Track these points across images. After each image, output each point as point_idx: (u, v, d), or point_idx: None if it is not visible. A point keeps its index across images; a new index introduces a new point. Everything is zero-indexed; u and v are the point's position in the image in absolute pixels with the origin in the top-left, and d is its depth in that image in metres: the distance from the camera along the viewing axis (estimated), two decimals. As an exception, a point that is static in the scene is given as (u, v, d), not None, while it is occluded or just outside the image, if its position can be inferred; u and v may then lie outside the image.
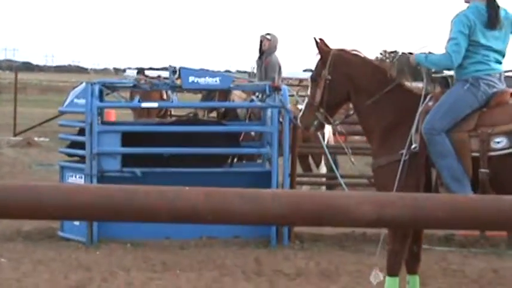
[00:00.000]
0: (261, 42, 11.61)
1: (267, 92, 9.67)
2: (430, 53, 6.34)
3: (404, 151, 6.07)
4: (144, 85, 10.01)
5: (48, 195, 2.86)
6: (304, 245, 9.23)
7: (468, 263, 8.60)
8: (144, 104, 10.39)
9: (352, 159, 7.29)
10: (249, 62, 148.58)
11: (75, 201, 2.88)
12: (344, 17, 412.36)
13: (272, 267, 8.17)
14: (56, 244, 8.96)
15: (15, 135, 22.00)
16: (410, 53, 6.47)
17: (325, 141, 10.85)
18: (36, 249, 8.60)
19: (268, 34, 11.69)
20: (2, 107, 34.06)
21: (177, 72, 9.45)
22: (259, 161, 11.12)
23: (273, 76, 10.91)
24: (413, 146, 6.07)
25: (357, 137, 20.90)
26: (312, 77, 6.69)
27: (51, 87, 67.31)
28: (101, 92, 9.39)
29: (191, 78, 9.37)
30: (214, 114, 13.62)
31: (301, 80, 36.28)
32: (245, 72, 29.46)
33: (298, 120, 6.83)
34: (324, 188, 11.36)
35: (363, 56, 6.60)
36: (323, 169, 11.89)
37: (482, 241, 9.51)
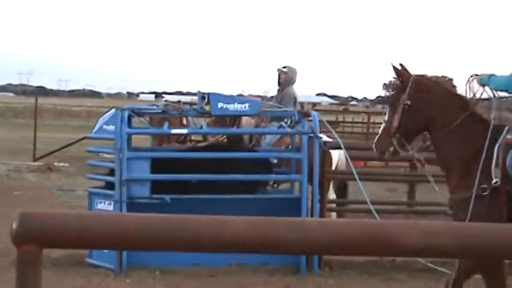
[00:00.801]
0: (279, 75, 11.71)
1: (297, 118, 9.64)
2: (492, 75, 6.21)
3: (485, 186, 5.85)
4: (173, 111, 10.00)
5: (93, 224, 2.82)
6: (334, 272, 9.13)
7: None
8: (174, 130, 10.38)
9: (436, 188, 6.98)
10: (261, 86, 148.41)
11: (119, 231, 2.84)
12: (359, 40, 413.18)
13: (303, 295, 8.09)
14: (84, 271, 8.91)
15: (35, 160, 22.07)
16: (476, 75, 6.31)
17: (334, 167, 10.79)
18: (65, 276, 8.56)
19: (284, 67, 11.78)
20: (19, 132, 34.29)
21: (206, 98, 9.41)
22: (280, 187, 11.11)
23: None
24: (494, 181, 5.84)
25: (375, 162, 20.93)
26: (389, 102, 6.54)
27: (66, 112, 67.76)
28: (129, 118, 9.40)
29: (220, 104, 9.35)
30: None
31: (314, 104, 36.50)
32: (258, 96, 29.43)
33: (373, 145, 6.61)
34: (333, 214, 11.19)
35: (443, 83, 6.45)
36: (332, 195, 11.80)
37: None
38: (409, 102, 6.21)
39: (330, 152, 9.97)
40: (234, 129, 10.95)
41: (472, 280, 8.10)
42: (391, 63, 6.41)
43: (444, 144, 6.21)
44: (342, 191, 11.64)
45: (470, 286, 7.97)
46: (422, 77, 6.37)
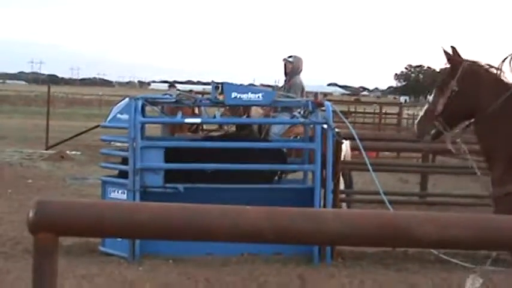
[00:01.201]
0: (285, 65, 11.66)
1: (310, 108, 9.63)
2: None
3: None
4: (187, 101, 10.00)
5: (109, 213, 2.83)
6: (347, 263, 9.14)
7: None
8: (188, 120, 10.38)
9: (478, 172, 6.75)
10: (272, 75, 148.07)
11: (134, 220, 2.85)
12: (370, 30, 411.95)
13: (316, 285, 8.10)
14: (97, 259, 8.95)
15: (47, 148, 22.17)
16: None
17: (342, 157, 10.76)
18: (78, 264, 8.57)
19: (290, 57, 11.74)
20: (31, 120, 34.44)
21: (220, 88, 9.41)
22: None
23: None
24: None
25: (386, 153, 20.92)
26: (437, 85, 6.38)
27: (78, 100, 68.05)
28: (142, 107, 9.41)
29: (234, 94, 9.34)
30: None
31: (325, 94, 36.50)
32: (269, 85, 29.41)
33: (415, 127, 6.43)
34: (344, 204, 11.17)
35: (496, 72, 6.06)
36: (341, 185, 11.78)
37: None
38: (456, 88, 6.00)
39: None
40: (247, 119, 10.93)
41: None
42: (442, 47, 6.19)
43: (489, 134, 5.96)
44: (347, 183, 11.59)
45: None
46: (473, 63, 6.11)
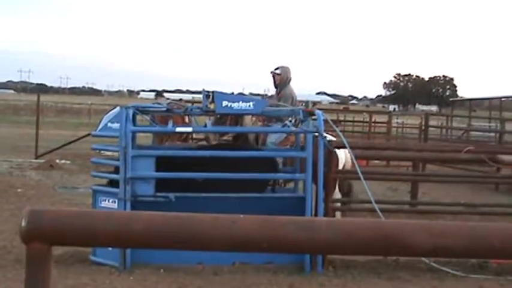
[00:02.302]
0: (273, 77, 11.67)
1: (301, 117, 9.63)
2: None
3: None
4: (178, 110, 9.99)
5: (102, 223, 2.82)
6: (338, 272, 9.12)
7: (505, 292, 8.48)
8: (179, 129, 10.36)
9: None
10: (262, 84, 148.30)
11: (128, 229, 2.84)
12: (359, 39, 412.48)
13: (307, 294, 8.08)
14: (88, 269, 8.90)
15: (37, 157, 22.11)
16: None
17: (341, 166, 10.77)
18: (68, 274, 8.54)
19: (277, 69, 11.73)
20: (20, 129, 34.35)
21: (211, 97, 9.40)
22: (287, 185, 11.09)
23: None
24: None
25: (376, 162, 20.96)
26: None
27: (67, 109, 67.87)
28: (133, 116, 9.39)
29: (225, 103, 9.33)
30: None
31: (314, 103, 36.58)
32: (258, 94, 29.37)
33: None
34: (338, 213, 11.22)
35: None
36: (337, 194, 11.81)
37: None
38: None
39: (336, 152, 9.94)
40: (239, 128, 10.91)
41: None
42: None
43: None
44: (347, 194, 11.61)
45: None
46: None
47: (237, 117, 11.04)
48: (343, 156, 10.94)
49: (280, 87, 11.68)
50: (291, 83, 11.88)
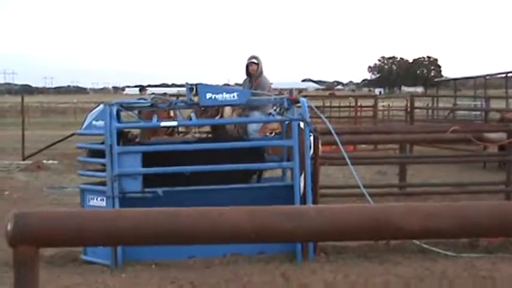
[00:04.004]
0: (247, 66, 11.56)
1: (286, 105, 9.61)
2: None
3: None
4: (162, 104, 9.94)
5: (89, 222, 2.80)
6: (330, 258, 9.14)
7: (497, 269, 8.50)
8: (164, 123, 10.31)
9: None
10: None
11: (116, 227, 2.82)
12: (342, 24, 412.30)
13: (300, 281, 8.08)
14: (80, 268, 8.89)
15: (24, 159, 22.03)
16: None
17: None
18: (61, 274, 8.51)
19: (254, 58, 11.61)
20: (6, 131, 34.23)
21: (194, 89, 9.37)
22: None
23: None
24: None
25: (363, 146, 21.03)
26: None
27: (53, 109, 67.72)
28: (118, 113, 9.35)
29: (208, 95, 9.31)
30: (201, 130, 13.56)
31: (300, 90, 36.56)
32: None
33: None
34: None
35: None
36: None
37: (508, 246, 9.43)
38: None
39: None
40: (223, 120, 10.87)
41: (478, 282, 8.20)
42: None
43: None
44: None
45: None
46: None
47: (218, 108, 10.99)
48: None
49: (256, 76, 11.62)
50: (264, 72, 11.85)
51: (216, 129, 11.39)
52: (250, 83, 11.66)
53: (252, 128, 11.01)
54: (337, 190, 12.38)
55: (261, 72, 11.65)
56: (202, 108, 10.57)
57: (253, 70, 11.54)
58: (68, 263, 9.11)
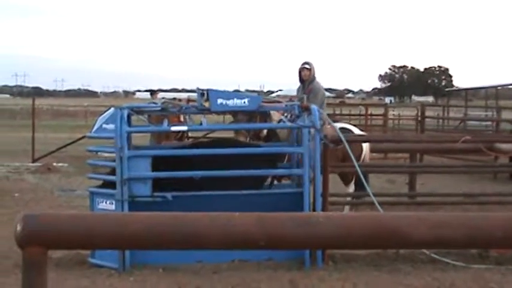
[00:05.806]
0: (300, 72, 11.77)
1: (296, 112, 9.61)
2: None
3: None
4: (173, 108, 9.94)
5: (98, 225, 2.80)
6: (338, 266, 9.10)
7: (507, 281, 8.45)
8: (174, 128, 10.30)
9: None
10: (257, 80, 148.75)
11: (124, 231, 2.81)
12: (353, 32, 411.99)
13: (308, 289, 8.05)
14: (87, 271, 8.87)
15: (34, 161, 22.09)
16: None
17: (362, 159, 10.78)
18: (68, 277, 8.50)
19: (306, 63, 11.82)
20: (17, 133, 34.30)
21: (205, 95, 9.37)
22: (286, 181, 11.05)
23: (315, 103, 10.67)
24: None
25: (373, 154, 20.99)
26: None
27: (63, 112, 67.79)
28: (128, 116, 9.35)
29: (219, 101, 9.30)
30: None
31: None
32: (254, 91, 29.21)
33: None
34: (347, 207, 11.30)
35: None
36: (351, 187, 11.89)
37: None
38: None
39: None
40: (234, 125, 10.85)
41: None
42: None
43: None
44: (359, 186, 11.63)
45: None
46: None
47: (265, 116, 11.01)
48: (365, 148, 11.05)
49: (309, 82, 11.78)
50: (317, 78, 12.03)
51: (269, 135, 11.46)
52: (303, 89, 11.77)
53: None
54: (346, 198, 12.34)
55: (314, 78, 11.79)
56: (241, 115, 10.56)
57: (306, 75, 11.70)
58: (75, 266, 9.09)
